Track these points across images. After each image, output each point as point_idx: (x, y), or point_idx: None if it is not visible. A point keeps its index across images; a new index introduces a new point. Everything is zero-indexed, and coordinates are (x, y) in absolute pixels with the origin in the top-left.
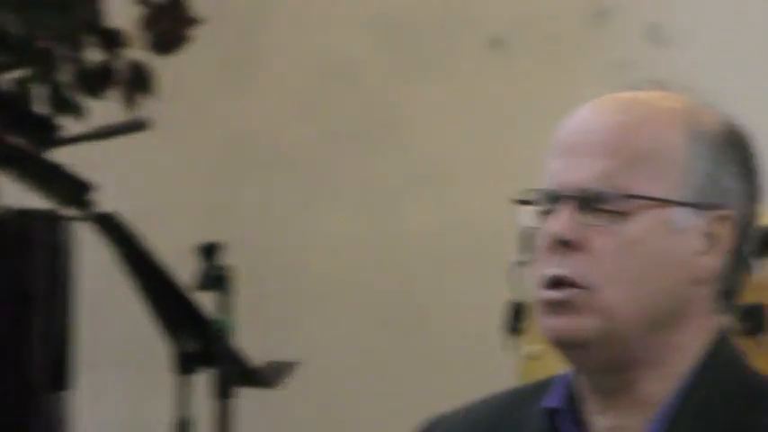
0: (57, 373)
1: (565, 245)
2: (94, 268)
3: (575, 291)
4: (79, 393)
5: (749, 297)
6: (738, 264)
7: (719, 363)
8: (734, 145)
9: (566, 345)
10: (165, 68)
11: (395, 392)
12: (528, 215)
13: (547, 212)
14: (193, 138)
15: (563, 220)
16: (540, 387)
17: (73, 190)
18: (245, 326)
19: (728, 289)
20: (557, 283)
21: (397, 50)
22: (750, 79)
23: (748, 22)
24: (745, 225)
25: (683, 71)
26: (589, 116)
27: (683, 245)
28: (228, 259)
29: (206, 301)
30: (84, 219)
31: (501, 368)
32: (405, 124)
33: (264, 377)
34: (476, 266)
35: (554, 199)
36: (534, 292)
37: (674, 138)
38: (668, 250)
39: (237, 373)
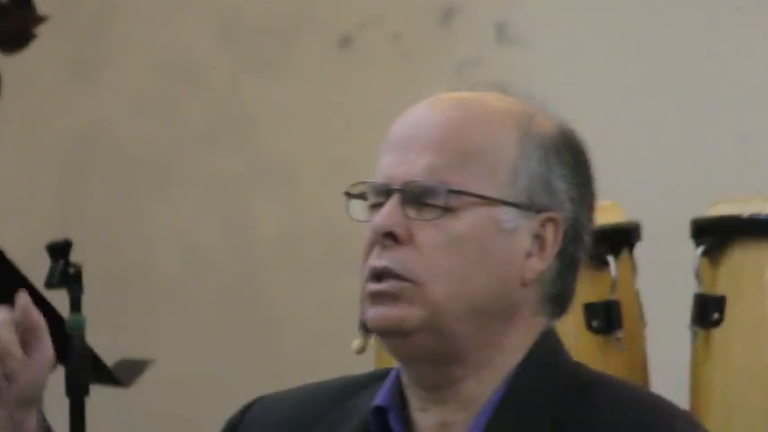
0: None
1: (390, 237)
2: None
3: (399, 282)
4: None
5: (602, 294)
6: (567, 267)
7: (542, 362)
8: (566, 149)
9: (389, 333)
10: (10, 66)
11: (246, 391)
12: (358, 209)
13: (376, 206)
14: (40, 136)
15: (388, 213)
16: (373, 379)
17: None
18: (96, 324)
19: (556, 292)
20: (380, 274)
21: (245, 49)
22: (598, 78)
23: (597, 21)
24: (575, 228)
25: (532, 70)
26: (422, 113)
27: (510, 245)
28: (78, 257)
29: (56, 300)
30: None
31: (354, 365)
32: (253, 123)
33: (117, 375)
34: (324, 264)
35: (382, 192)
36: (362, 286)
37: (505, 137)
38: (495, 249)
39: (90, 371)
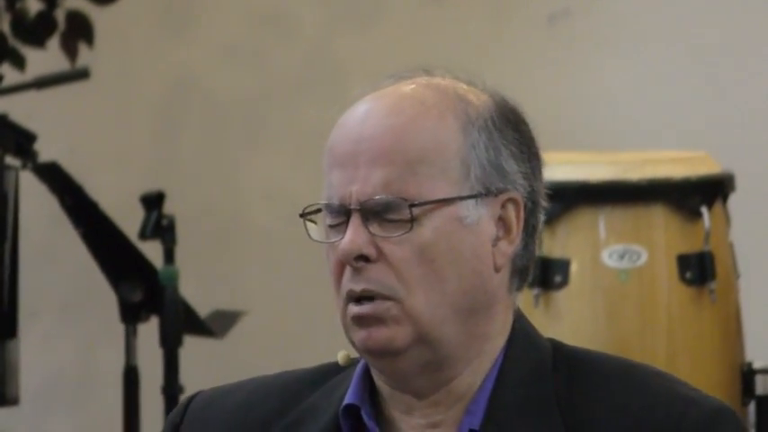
0: (2, 322)
1: (361, 259)
2: (39, 218)
3: (381, 303)
4: (26, 342)
5: (695, 246)
6: (530, 238)
7: (524, 342)
8: (506, 123)
9: (381, 355)
10: (103, 18)
11: (338, 344)
12: (316, 230)
13: (334, 226)
14: (133, 87)
15: (353, 236)
16: (324, 376)
17: (16, 140)
18: (189, 275)
19: (523, 265)
20: (360, 298)
21: (337, 1)
22: (690, 29)
23: None
24: (532, 200)
25: (619, 20)
26: (360, 122)
27: (477, 237)
28: (171, 209)
29: (150, 251)
30: (28, 168)
31: None
32: (345, 74)
33: (210, 326)
34: None
35: (340, 213)
36: (338, 307)
37: (448, 133)
38: (464, 246)
39: (183, 322)
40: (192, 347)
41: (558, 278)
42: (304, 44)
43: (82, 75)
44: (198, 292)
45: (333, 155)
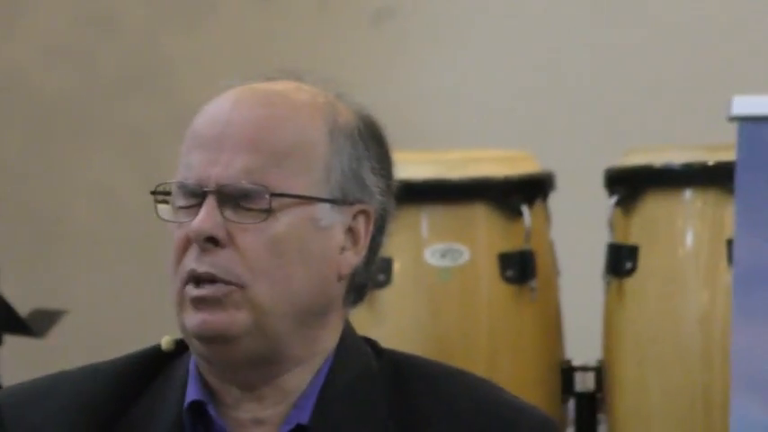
0: None
1: (210, 241)
2: None
3: (223, 287)
4: None
5: (516, 244)
6: (373, 256)
7: (351, 349)
8: (371, 139)
9: (213, 340)
10: None
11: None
12: (165, 209)
13: (186, 207)
14: None
15: (207, 216)
16: (143, 370)
17: None
18: (8, 274)
19: (362, 281)
20: (201, 279)
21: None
22: (516, 27)
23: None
24: (382, 218)
25: (445, 19)
26: (229, 108)
27: (328, 241)
28: None
29: None
30: None
31: None
32: (171, 72)
33: (30, 326)
34: None
35: (195, 194)
36: (173, 289)
37: (316, 134)
38: (314, 247)
39: (2, 321)
40: (11, 347)
41: (381, 277)
42: (130, 42)
43: None
44: (18, 292)
45: (195, 137)
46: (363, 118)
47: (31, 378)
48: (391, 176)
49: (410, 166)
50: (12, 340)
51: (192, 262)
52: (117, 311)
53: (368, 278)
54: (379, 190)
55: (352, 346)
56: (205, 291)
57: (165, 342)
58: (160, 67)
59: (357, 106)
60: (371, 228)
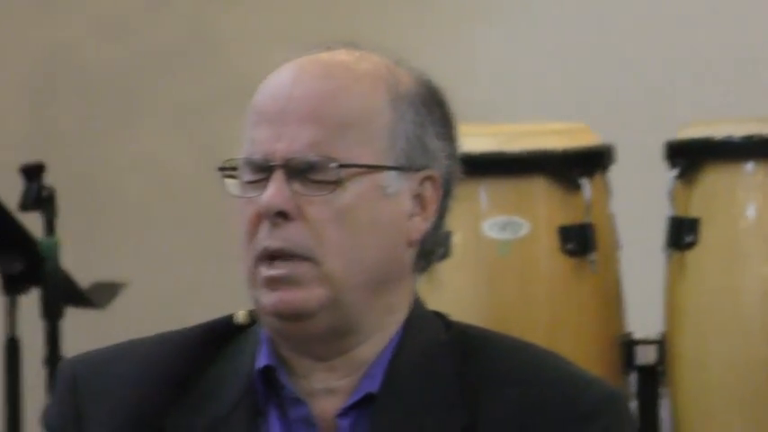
0: None
1: (279, 216)
2: None
3: (298, 264)
4: None
5: (576, 217)
6: (439, 223)
7: (421, 319)
8: (434, 104)
9: (290, 317)
10: None
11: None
12: (234, 184)
13: (254, 182)
14: (5, 61)
15: (277, 191)
16: (216, 339)
17: None
18: (69, 247)
19: (430, 247)
20: (275, 256)
21: None
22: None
23: None
24: (448, 183)
25: None
26: (291, 82)
27: (396, 208)
28: (50, 180)
29: (30, 222)
30: None
31: None
32: (219, 44)
33: (91, 298)
34: None
35: (262, 169)
36: (246, 266)
37: (379, 102)
38: (383, 215)
39: (64, 294)
40: (73, 319)
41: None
42: (180, 15)
43: None
44: (79, 264)
45: (259, 112)
46: (424, 83)
47: (92, 348)
48: (455, 140)
49: (469, 139)
50: (73, 312)
51: (265, 239)
52: (172, 283)
53: (436, 243)
54: (444, 154)
55: (422, 317)
56: (278, 270)
57: (241, 316)
58: (210, 40)
59: (417, 72)
60: (439, 193)
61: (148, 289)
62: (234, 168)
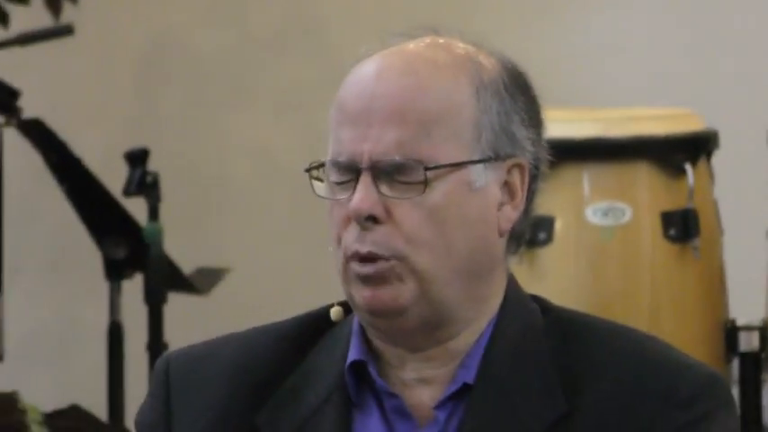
0: None
1: (368, 220)
2: (23, 174)
3: (386, 262)
4: (10, 298)
5: (679, 203)
6: (529, 206)
7: (516, 305)
8: (516, 89)
9: (384, 314)
10: None
11: (320, 299)
12: (321, 186)
13: (341, 183)
14: (116, 44)
15: (365, 195)
16: (311, 332)
17: (0, 96)
18: (173, 233)
19: (521, 232)
20: (365, 258)
21: None
22: None
23: None
24: (536, 167)
25: None
26: (373, 80)
27: (485, 201)
28: (154, 166)
29: (134, 208)
30: (12, 125)
31: None
32: (326, 31)
33: (194, 283)
34: None
35: (349, 170)
36: (338, 263)
37: (463, 96)
38: (472, 210)
39: (167, 279)
40: (176, 304)
41: (542, 235)
42: (284, 0)
43: (66, 31)
44: (182, 250)
45: (343, 111)
46: (507, 68)
47: (194, 333)
48: (541, 124)
49: (572, 124)
50: (176, 298)
51: (355, 242)
52: (276, 269)
53: (527, 227)
54: (531, 141)
55: (517, 303)
56: (369, 268)
57: (335, 313)
58: (315, 25)
59: (499, 55)
60: (527, 179)
61: (251, 275)
62: (321, 165)
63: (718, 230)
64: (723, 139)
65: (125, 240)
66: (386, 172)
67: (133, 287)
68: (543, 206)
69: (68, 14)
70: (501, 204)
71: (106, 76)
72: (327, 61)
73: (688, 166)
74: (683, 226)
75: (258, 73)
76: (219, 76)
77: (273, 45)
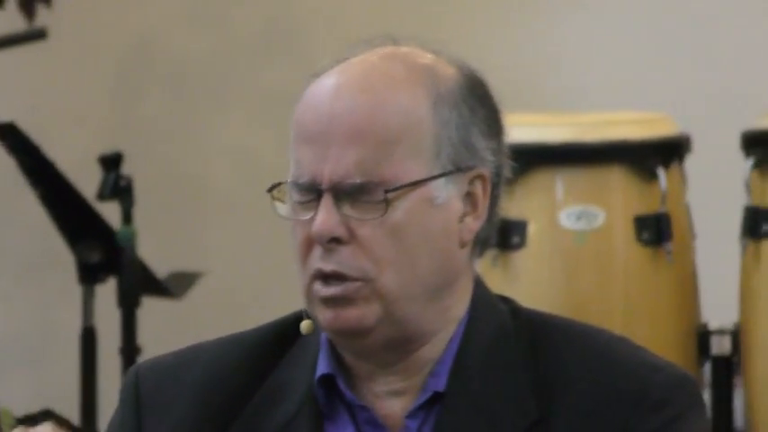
0: None
1: (332, 242)
2: None
3: (351, 284)
4: None
5: (652, 207)
6: (492, 212)
7: (484, 309)
8: (476, 100)
9: (349, 334)
10: None
11: (300, 302)
12: (284, 207)
13: (303, 203)
14: (92, 47)
15: (327, 217)
16: (279, 343)
17: None
18: (147, 236)
19: (486, 237)
20: (328, 278)
21: None
22: None
23: None
24: (498, 174)
25: None
26: (331, 98)
27: (446, 215)
28: (130, 170)
29: (108, 212)
30: None
31: None
32: (307, 35)
33: (168, 287)
34: None
35: (309, 191)
36: (302, 283)
37: (421, 111)
38: (435, 225)
39: (141, 283)
40: (150, 308)
41: (515, 239)
42: (267, 4)
43: (39, 35)
44: (156, 253)
45: (302, 131)
46: (465, 76)
47: (168, 337)
48: (502, 132)
49: (546, 128)
50: (150, 302)
51: (318, 261)
52: (252, 273)
53: (491, 229)
54: (491, 151)
55: (486, 307)
56: (334, 290)
57: (305, 326)
58: (296, 28)
59: (459, 63)
60: (488, 189)
61: (225, 279)
62: (279, 185)
63: (691, 234)
64: (696, 144)
65: (99, 244)
66: (347, 192)
67: (107, 291)
68: (517, 210)
69: (44, 18)
70: (463, 216)
71: (83, 80)
72: (309, 65)
73: (661, 171)
74: (655, 230)
75: (238, 76)
76: (199, 80)
77: (253, 49)
